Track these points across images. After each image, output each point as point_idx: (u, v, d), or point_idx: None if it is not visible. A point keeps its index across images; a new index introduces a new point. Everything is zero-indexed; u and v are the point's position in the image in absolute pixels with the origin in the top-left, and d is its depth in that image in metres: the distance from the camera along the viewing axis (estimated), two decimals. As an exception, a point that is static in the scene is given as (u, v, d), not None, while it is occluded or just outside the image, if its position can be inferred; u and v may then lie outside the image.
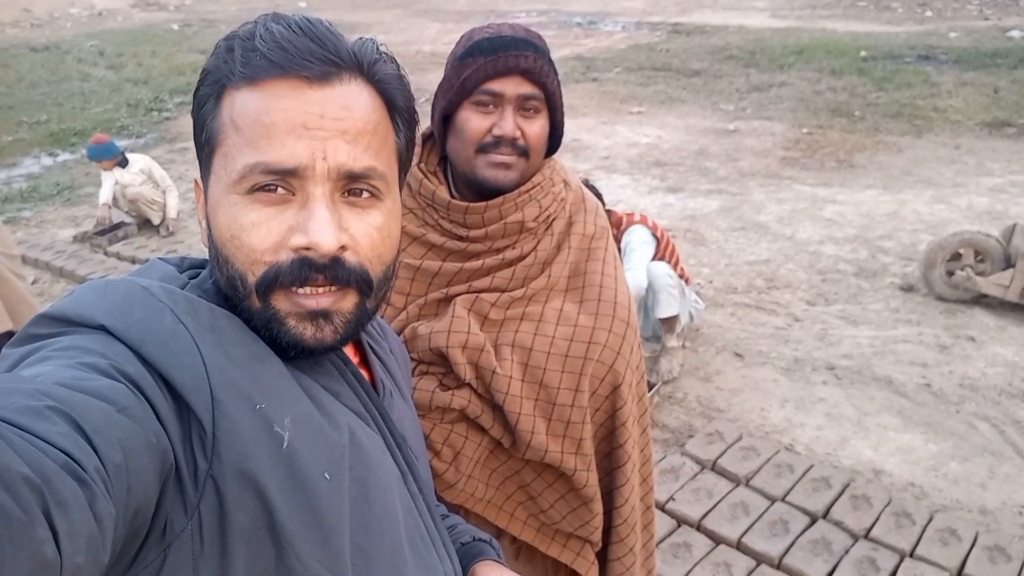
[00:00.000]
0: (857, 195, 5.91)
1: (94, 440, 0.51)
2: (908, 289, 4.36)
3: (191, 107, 0.73)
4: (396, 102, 0.74)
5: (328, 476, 0.66)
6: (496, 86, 1.14)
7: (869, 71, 9.89)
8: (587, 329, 1.25)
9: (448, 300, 1.25)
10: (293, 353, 0.70)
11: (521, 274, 1.25)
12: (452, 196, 1.26)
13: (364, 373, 0.82)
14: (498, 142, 1.16)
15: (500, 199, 1.21)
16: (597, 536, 1.30)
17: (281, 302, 0.68)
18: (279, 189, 0.67)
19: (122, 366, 0.59)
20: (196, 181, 0.76)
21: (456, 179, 1.27)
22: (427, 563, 0.78)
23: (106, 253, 5.51)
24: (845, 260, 4.79)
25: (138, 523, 0.56)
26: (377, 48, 0.73)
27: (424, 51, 12.25)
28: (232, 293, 0.70)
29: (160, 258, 0.78)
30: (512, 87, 1.15)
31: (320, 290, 0.69)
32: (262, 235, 0.67)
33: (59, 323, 0.64)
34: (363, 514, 0.70)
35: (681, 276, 3.63)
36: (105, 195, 5.64)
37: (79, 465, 0.49)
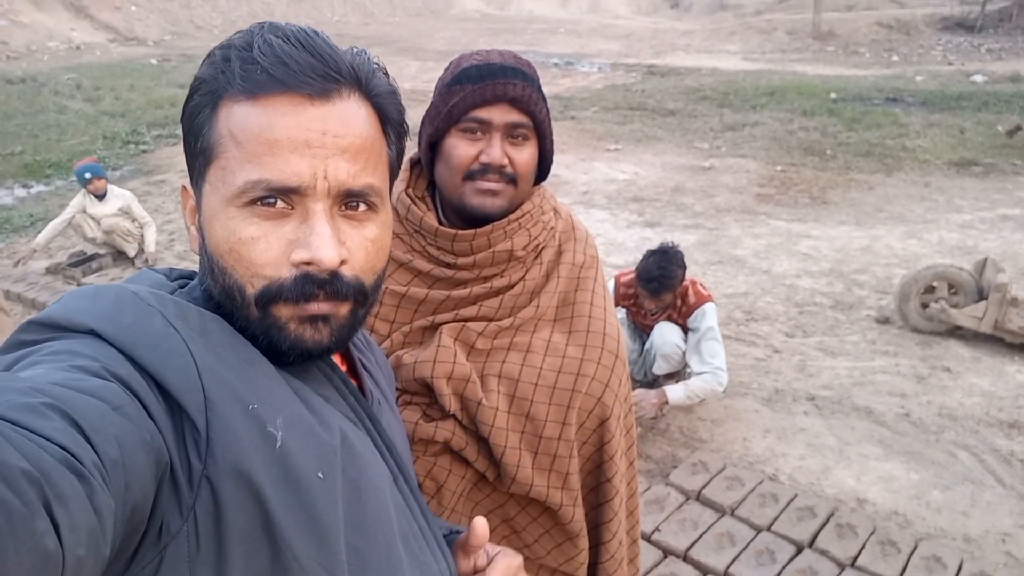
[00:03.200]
0: (831, 230, 6.02)
1: (91, 436, 0.51)
2: (884, 321, 4.42)
3: (182, 117, 0.72)
4: (390, 115, 0.76)
5: (322, 476, 0.66)
6: (484, 114, 1.13)
7: (839, 112, 10.15)
8: (575, 361, 1.22)
9: (434, 328, 1.23)
10: (291, 357, 0.71)
11: (509, 303, 1.23)
12: (440, 223, 1.24)
13: (353, 381, 0.83)
14: (485, 169, 1.15)
15: (489, 227, 1.19)
16: (583, 572, 1.28)
17: (282, 311, 0.70)
18: (278, 203, 0.68)
19: (114, 368, 0.59)
20: (185, 187, 0.75)
21: (444, 206, 1.25)
22: (421, 562, 0.78)
23: (79, 284, 5.42)
24: (821, 293, 4.85)
25: (136, 521, 0.55)
26: (372, 60, 0.75)
27: (404, 88, 12.34)
28: (227, 302, 0.70)
29: (149, 268, 0.79)
30: (500, 115, 1.14)
31: (321, 302, 0.70)
32: (262, 249, 0.68)
33: (49, 329, 0.64)
34: (357, 514, 0.70)
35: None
36: (44, 236, 5.46)
37: (77, 460, 0.49)
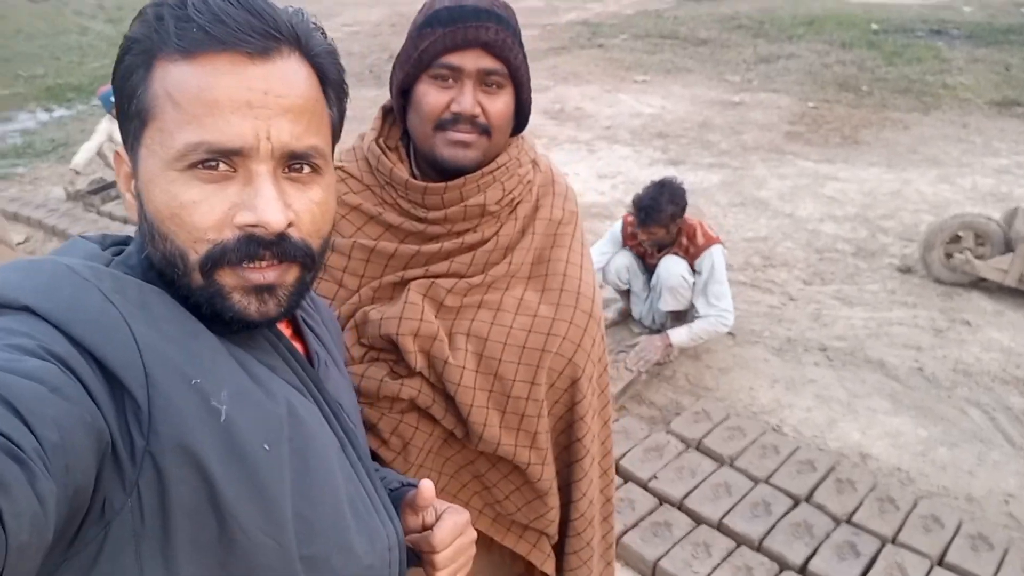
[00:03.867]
0: (860, 172, 5.83)
1: (29, 420, 0.51)
2: (906, 271, 4.30)
3: (113, 78, 0.70)
4: (329, 75, 0.74)
5: (268, 447, 0.67)
6: (455, 59, 1.08)
7: (879, 45, 9.72)
8: (547, 320, 1.20)
9: (404, 284, 1.20)
10: (236, 328, 0.71)
11: (481, 259, 1.20)
12: (412, 174, 1.20)
13: (298, 345, 0.83)
14: (457, 119, 1.10)
15: (461, 180, 1.15)
16: (553, 529, 1.27)
17: (226, 278, 0.68)
18: (220, 165, 0.66)
19: (51, 346, 0.58)
20: (118, 152, 0.73)
21: (418, 156, 1.21)
22: (370, 527, 0.79)
23: (99, 212, 5.46)
24: (844, 239, 4.73)
25: (78, 502, 0.56)
26: (309, 19, 0.72)
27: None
28: (169, 270, 0.69)
29: (81, 236, 0.77)
30: (472, 61, 1.08)
31: (264, 264, 0.69)
32: (204, 213, 0.66)
33: None
34: (304, 483, 0.70)
35: None
36: (81, 157, 5.51)
37: (17, 446, 0.49)
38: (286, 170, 0.69)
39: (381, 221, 1.20)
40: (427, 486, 0.86)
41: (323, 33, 0.74)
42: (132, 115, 0.68)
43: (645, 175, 5.86)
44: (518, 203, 1.23)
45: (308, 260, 0.72)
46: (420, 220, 1.19)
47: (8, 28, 11.40)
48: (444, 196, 1.16)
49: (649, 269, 3.66)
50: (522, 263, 1.22)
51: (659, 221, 3.33)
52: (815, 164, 6.03)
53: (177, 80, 0.65)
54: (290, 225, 0.69)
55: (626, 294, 3.82)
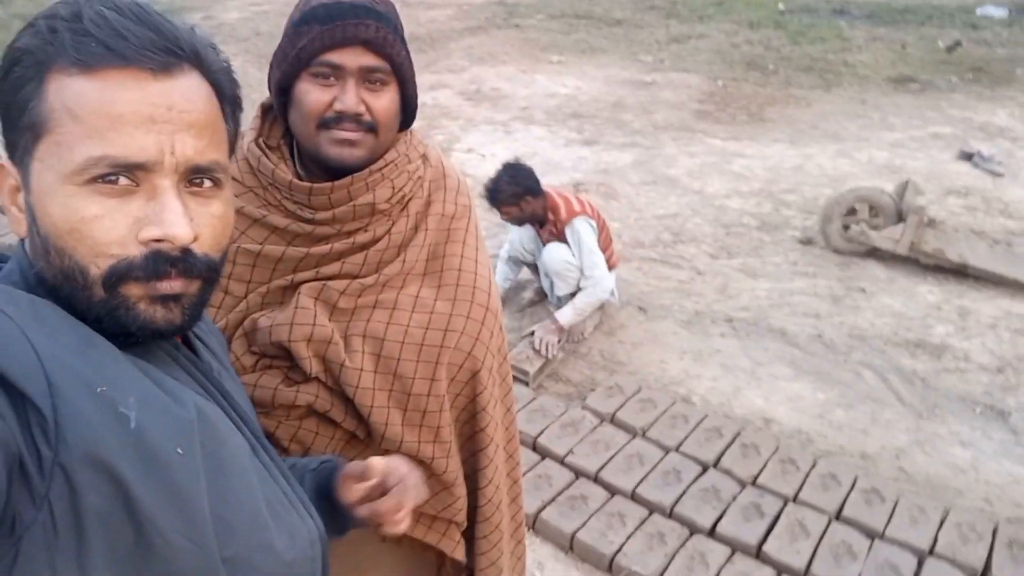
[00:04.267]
0: (765, 149, 6.04)
1: None
2: (807, 242, 4.50)
3: (2, 86, 0.68)
4: (225, 91, 0.75)
5: (181, 451, 0.67)
6: (335, 57, 1.06)
7: (785, 24, 10.04)
8: (444, 316, 1.20)
9: (294, 288, 1.18)
10: (140, 338, 0.71)
11: (374, 259, 1.18)
12: (298, 174, 1.18)
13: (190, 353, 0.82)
14: (340, 117, 1.08)
15: (349, 179, 1.13)
16: (462, 517, 1.29)
17: (132, 289, 0.68)
18: (121, 180, 0.66)
19: None
20: (2, 165, 0.71)
21: (303, 155, 1.19)
22: (289, 524, 0.80)
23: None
24: (749, 214, 4.91)
25: None
26: (205, 36, 0.73)
27: None
28: (65, 284, 0.68)
29: None
30: (352, 59, 1.07)
31: (173, 279, 0.69)
32: (107, 228, 0.66)
33: None
34: (220, 485, 0.71)
35: (608, 261, 3.61)
36: None
37: None
38: (188, 184, 0.70)
39: (266, 224, 1.17)
40: (378, 463, 0.93)
41: (215, 49, 0.75)
42: (23, 128, 0.67)
43: (561, 155, 5.93)
44: (409, 200, 1.22)
45: (212, 274, 0.73)
46: (307, 221, 1.16)
47: None
48: (331, 196, 1.14)
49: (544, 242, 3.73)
50: (416, 260, 1.21)
51: (502, 200, 3.48)
52: (723, 142, 6.22)
53: (77, 94, 0.64)
54: (195, 239, 0.69)
55: (535, 268, 3.88)
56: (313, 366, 1.15)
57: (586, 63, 8.66)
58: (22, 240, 0.72)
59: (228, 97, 0.75)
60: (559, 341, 3.42)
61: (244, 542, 0.72)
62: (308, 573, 0.82)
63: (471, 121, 6.70)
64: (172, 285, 0.69)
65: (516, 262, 3.91)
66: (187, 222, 0.67)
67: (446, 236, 1.25)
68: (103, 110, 0.64)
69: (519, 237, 3.78)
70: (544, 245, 3.66)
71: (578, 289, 3.54)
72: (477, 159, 5.74)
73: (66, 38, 0.64)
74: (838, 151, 5.99)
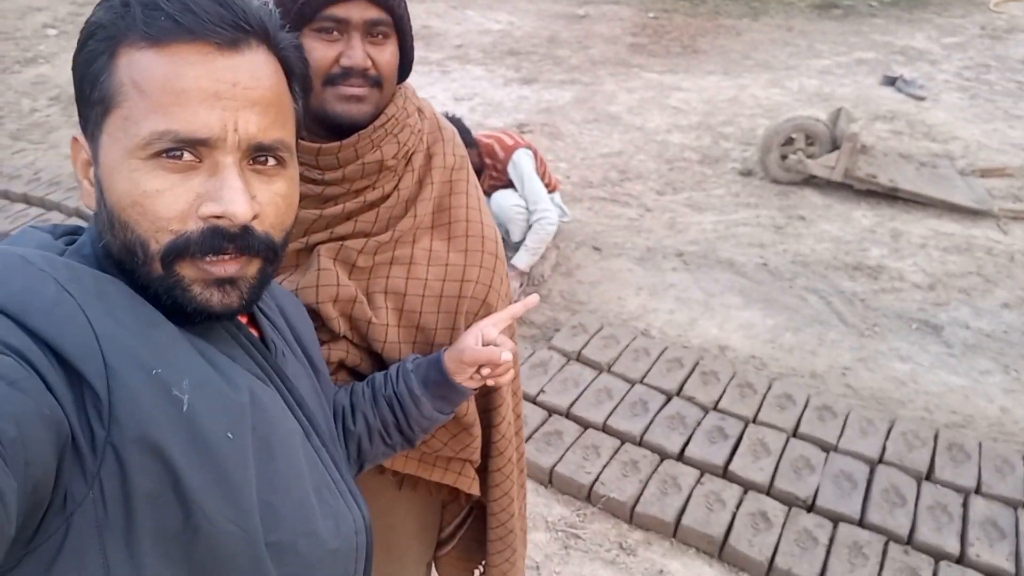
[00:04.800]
0: (700, 81, 6.14)
1: None
2: (747, 174, 4.65)
3: (74, 64, 0.68)
4: (294, 69, 0.74)
5: (231, 436, 0.67)
6: (340, 11, 1.05)
7: (710, -49, 10.05)
8: (458, 268, 1.24)
9: (309, 250, 1.19)
10: (197, 319, 0.71)
11: (385, 215, 1.20)
12: (302, 136, 1.20)
13: (254, 333, 0.83)
14: (347, 73, 1.08)
15: (355, 137, 1.14)
16: (477, 455, 1.35)
17: (187, 270, 0.68)
18: (185, 155, 0.66)
19: (7, 338, 0.58)
20: (76, 138, 0.71)
21: (305, 114, 1.21)
22: (336, 512, 0.80)
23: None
24: (690, 148, 5.02)
25: (38, 496, 0.56)
26: (276, 14, 0.72)
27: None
28: (128, 259, 0.68)
29: (32, 226, 0.75)
30: (358, 12, 1.06)
31: (227, 257, 0.69)
32: (168, 202, 0.66)
33: None
34: (269, 470, 0.71)
35: (549, 184, 3.68)
36: None
37: None
38: (251, 162, 0.69)
39: None
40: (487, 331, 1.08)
41: (285, 25, 0.74)
42: (94, 102, 0.67)
43: (501, 95, 5.91)
44: (412, 154, 1.23)
45: (270, 253, 0.72)
46: (316, 182, 1.17)
47: None
48: (339, 155, 1.15)
49: (489, 190, 3.77)
50: (425, 214, 1.24)
51: None
52: (659, 75, 6.28)
53: (144, 68, 0.64)
54: (254, 217, 0.69)
55: None
56: (342, 326, 1.18)
57: (516, -3, 8.55)
58: (96, 214, 0.72)
59: (297, 75, 0.75)
60: (520, 286, 3.50)
61: (289, 528, 0.72)
62: (351, 562, 0.82)
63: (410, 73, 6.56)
64: (227, 268, 0.69)
65: None
66: (247, 199, 0.67)
67: (449, 188, 1.28)
68: (169, 85, 0.64)
69: None
70: (488, 195, 3.69)
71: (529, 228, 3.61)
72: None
73: (137, 12, 0.64)
74: (770, 80, 6.13)
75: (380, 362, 1.23)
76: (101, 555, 0.60)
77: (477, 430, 1.34)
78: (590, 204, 4.34)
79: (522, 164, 3.52)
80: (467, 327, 1.29)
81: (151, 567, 0.62)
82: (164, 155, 0.65)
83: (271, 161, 0.71)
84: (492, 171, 3.62)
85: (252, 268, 0.72)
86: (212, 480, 0.65)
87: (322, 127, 1.16)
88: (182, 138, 0.65)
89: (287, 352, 0.88)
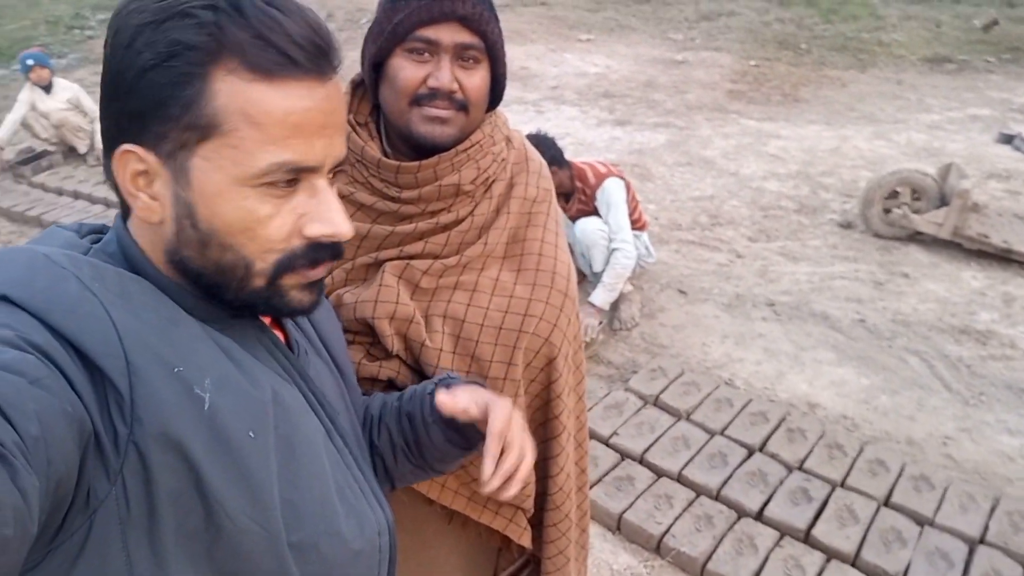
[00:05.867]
0: (801, 130, 5.97)
1: (9, 414, 0.51)
2: (847, 226, 4.45)
3: (150, 74, 0.64)
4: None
5: (253, 434, 0.67)
6: (431, 33, 1.05)
7: (816, 2, 9.87)
8: (523, 300, 1.19)
9: (378, 266, 1.18)
10: (230, 314, 0.73)
11: (456, 240, 1.18)
12: (385, 152, 1.18)
13: (279, 334, 0.83)
14: (434, 94, 1.08)
15: (435, 159, 1.13)
16: (529, 504, 1.28)
17: (289, 279, 0.72)
18: (290, 180, 0.69)
19: (29, 336, 0.58)
20: (129, 150, 0.66)
21: (390, 132, 1.18)
22: (359, 512, 0.80)
23: (31, 184, 5.24)
24: (787, 196, 4.86)
25: (61, 493, 0.56)
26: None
27: None
28: (221, 277, 0.70)
29: (58, 225, 0.76)
30: (449, 35, 1.06)
31: (325, 263, 0.74)
32: (277, 226, 0.69)
33: None
34: (291, 469, 0.71)
35: (638, 222, 3.60)
36: (4, 130, 5.23)
37: None
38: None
39: (353, 200, 1.17)
40: (446, 401, 0.88)
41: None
42: (184, 125, 0.65)
43: (593, 136, 5.90)
44: (492, 182, 1.21)
45: (336, 258, 0.76)
46: (393, 200, 1.16)
47: (-86, -14, 10.70)
48: (417, 175, 1.14)
49: (575, 216, 3.71)
50: (497, 243, 1.21)
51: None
52: (758, 122, 6.15)
53: (257, 101, 0.65)
54: None
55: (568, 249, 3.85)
56: (395, 344, 1.15)
57: (615, 41, 8.58)
58: (121, 215, 0.73)
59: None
60: (599, 324, 3.42)
61: (312, 528, 0.72)
62: (374, 563, 0.82)
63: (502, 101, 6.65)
64: (319, 272, 0.74)
65: None
66: (347, 218, 0.71)
67: (527, 220, 1.25)
68: (285, 120, 0.66)
69: None
70: (573, 222, 3.64)
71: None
72: (509, 139, 5.71)
73: (237, 38, 0.63)
74: (875, 132, 5.91)
75: None
76: (124, 552, 0.61)
77: (530, 477, 1.27)
78: (678, 247, 4.24)
79: (612, 191, 3.47)
80: (526, 365, 1.23)
81: (173, 565, 0.62)
82: (276, 184, 0.68)
83: (332, 174, 0.74)
84: (581, 195, 3.58)
85: (326, 270, 0.76)
86: (233, 479, 0.65)
87: (407, 146, 1.16)
88: (299, 167, 0.68)
89: (311, 352, 0.88)
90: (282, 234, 0.69)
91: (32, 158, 5.44)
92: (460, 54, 1.08)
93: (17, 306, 0.60)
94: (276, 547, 0.68)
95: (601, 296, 3.42)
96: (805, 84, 7.09)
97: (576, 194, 3.59)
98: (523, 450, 0.89)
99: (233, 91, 0.64)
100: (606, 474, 2.67)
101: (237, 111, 0.65)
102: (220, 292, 0.71)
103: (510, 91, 6.96)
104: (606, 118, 6.32)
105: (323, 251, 0.72)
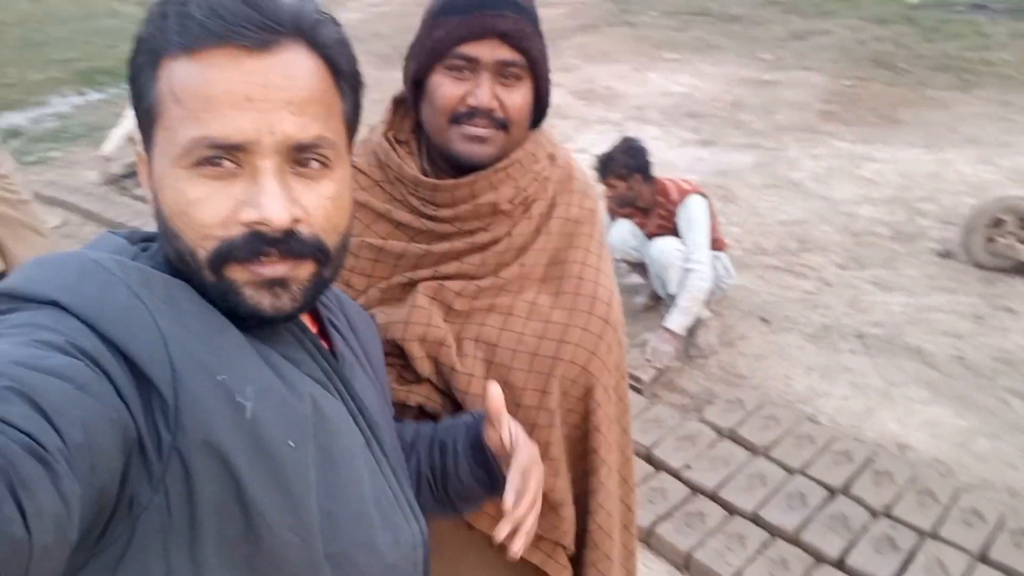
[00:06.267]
0: (898, 153, 5.69)
1: (54, 420, 0.51)
2: (946, 255, 4.20)
3: (128, 78, 0.69)
4: (340, 66, 0.72)
5: (293, 444, 0.67)
6: (471, 50, 1.03)
7: (917, 20, 9.45)
8: (560, 326, 1.14)
9: (412, 285, 1.15)
10: (252, 323, 0.70)
11: (492, 261, 1.15)
12: (424, 169, 1.16)
13: (324, 343, 0.81)
14: (473, 113, 1.05)
15: (472, 177, 1.10)
16: (568, 540, 1.23)
17: (236, 273, 0.68)
18: (225, 162, 0.65)
19: (78, 342, 0.58)
20: (139, 153, 0.73)
21: (431, 150, 1.16)
22: (394, 524, 0.79)
23: (133, 196, 5.50)
24: (882, 222, 4.63)
25: (104, 500, 0.56)
26: (317, 9, 0.70)
27: None
28: (183, 267, 0.69)
29: (110, 231, 0.77)
30: (489, 52, 1.03)
31: (275, 259, 0.68)
32: (210, 210, 0.66)
33: (10, 300, 0.63)
34: (329, 480, 0.70)
35: (717, 243, 3.49)
36: (110, 143, 5.54)
37: (41, 446, 0.49)
38: (294, 165, 0.68)
39: (390, 219, 1.16)
40: (494, 390, 0.87)
41: (336, 23, 0.72)
42: (143, 114, 0.68)
43: (676, 155, 5.78)
44: (533, 201, 1.18)
45: (321, 255, 0.70)
46: (430, 218, 1.14)
47: (40, 12, 11.50)
48: (454, 194, 1.12)
49: (653, 233, 3.60)
50: (535, 264, 1.17)
51: (612, 170, 3.39)
52: (851, 144, 5.90)
53: (179, 77, 0.64)
54: (298, 221, 0.68)
55: (643, 268, 3.73)
56: (426, 367, 1.12)
57: (702, 61, 8.42)
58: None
59: (344, 73, 0.72)
60: (674, 350, 3.31)
61: (348, 539, 0.71)
62: None
63: (584, 120, 6.62)
64: (275, 269, 0.68)
65: (616, 267, 3.77)
66: (285, 204, 0.66)
67: (568, 241, 1.20)
68: (200, 91, 0.64)
69: (619, 234, 3.63)
70: (649, 239, 3.54)
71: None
72: (590, 159, 5.65)
73: (172, 23, 0.64)
74: (979, 156, 5.58)
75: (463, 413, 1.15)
76: (164, 561, 0.60)
77: (568, 512, 1.21)
78: (761, 272, 4.09)
79: (693, 208, 3.36)
80: (563, 394, 1.16)
81: (213, 574, 0.62)
82: (205, 163, 0.65)
83: (314, 163, 0.69)
84: (662, 211, 3.49)
85: (303, 271, 0.70)
86: (273, 488, 0.65)
87: (447, 164, 1.13)
88: (217, 144, 0.64)
89: (355, 363, 0.85)
90: (215, 219, 0.66)
91: (135, 171, 5.71)
92: (501, 71, 1.05)
93: (67, 311, 0.61)
94: (313, 558, 0.67)
95: (676, 320, 3.31)
96: (903, 105, 6.78)
97: (656, 209, 3.50)
98: (535, 501, 0.87)
99: (168, 73, 0.65)
100: (676, 508, 2.57)
101: (168, 91, 0.65)
102: (195, 286, 0.69)
103: (593, 111, 6.94)
104: (690, 138, 6.19)
105: (263, 243, 0.67)
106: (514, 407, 1.13)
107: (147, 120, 0.68)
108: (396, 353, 1.15)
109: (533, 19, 1.06)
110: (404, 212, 1.15)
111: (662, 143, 6.09)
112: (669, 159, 5.68)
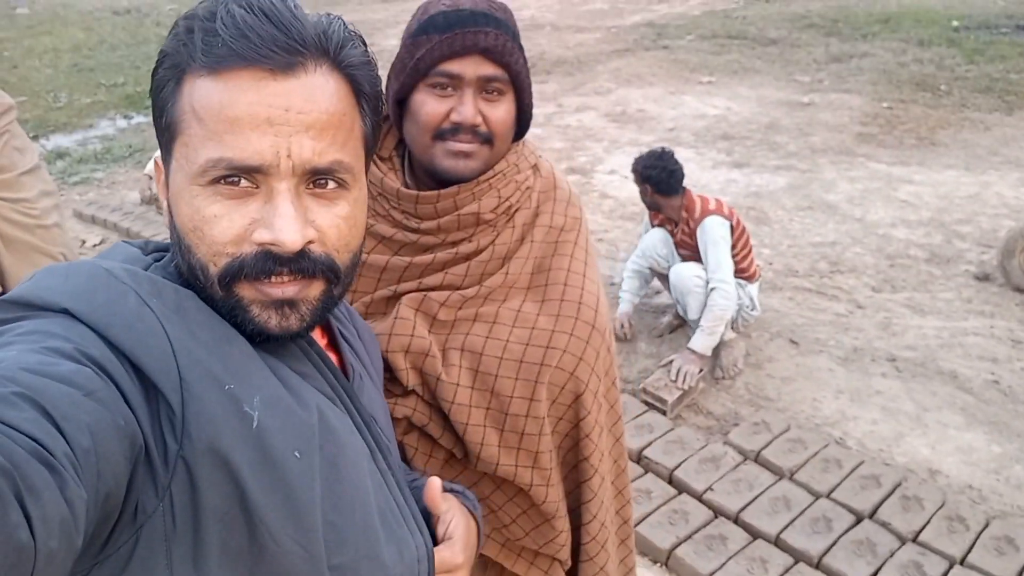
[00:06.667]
0: (936, 175, 5.59)
1: (62, 425, 0.52)
2: (983, 278, 4.10)
3: (150, 90, 0.71)
4: (363, 87, 0.73)
5: (298, 455, 0.67)
6: (453, 67, 1.04)
7: (960, 42, 9.31)
8: (546, 332, 1.14)
9: (397, 298, 1.16)
10: (258, 340, 0.71)
11: (477, 270, 1.15)
12: (406, 184, 1.17)
13: (332, 356, 0.82)
14: (457, 128, 1.06)
15: (455, 188, 1.11)
16: (565, 554, 1.22)
17: (245, 291, 0.69)
18: (242, 182, 0.66)
19: (87, 349, 0.59)
20: (157, 162, 0.74)
21: (415, 166, 1.17)
22: (398, 537, 0.79)
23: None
24: (917, 245, 4.54)
25: (109, 506, 0.56)
26: (345, 29, 0.71)
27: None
28: (194, 280, 0.70)
29: (124, 241, 0.78)
30: (471, 68, 1.04)
31: (285, 279, 0.69)
32: (224, 228, 0.67)
33: (21, 307, 0.64)
34: (334, 491, 0.71)
35: (747, 271, 3.45)
36: (151, 165, 5.73)
37: (48, 451, 0.49)
38: (310, 186, 0.69)
39: (373, 233, 1.16)
40: (432, 485, 0.89)
41: (362, 42, 0.73)
42: (163, 129, 0.69)
43: (708, 177, 5.75)
44: (516, 210, 1.18)
45: (332, 274, 0.71)
46: (413, 231, 1.15)
47: (93, 40, 11.95)
48: (437, 205, 1.13)
49: (678, 245, 3.58)
50: (520, 273, 1.17)
51: (637, 172, 3.45)
52: (888, 166, 5.81)
53: (201, 96, 0.65)
54: (311, 242, 0.68)
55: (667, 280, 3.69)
56: (410, 378, 1.12)
57: (738, 84, 8.39)
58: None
59: (366, 94, 0.73)
60: (700, 371, 3.27)
61: (353, 551, 0.71)
62: None
63: (615, 143, 6.63)
64: (285, 290, 0.69)
65: (646, 276, 3.73)
66: (298, 227, 0.66)
67: (553, 249, 1.20)
68: (222, 113, 0.64)
69: (651, 241, 3.63)
70: (677, 252, 3.52)
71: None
72: (620, 180, 5.66)
73: (198, 40, 0.65)
74: (1020, 179, 5.45)
75: (451, 426, 1.14)
76: (167, 568, 0.61)
77: (562, 524, 1.20)
78: (792, 294, 4.03)
79: (711, 230, 3.30)
80: (551, 401, 1.16)
81: None
82: (222, 182, 0.66)
83: (331, 184, 0.70)
84: (685, 226, 3.47)
85: (314, 290, 0.71)
86: (278, 499, 0.65)
87: (432, 180, 1.14)
88: (235, 165, 0.65)
89: (364, 377, 0.86)
90: (228, 236, 0.67)
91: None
92: (484, 87, 1.07)
93: (78, 319, 0.61)
94: (317, 569, 0.67)
95: (700, 341, 3.27)
96: (943, 127, 6.66)
97: (681, 223, 3.49)
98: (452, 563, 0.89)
99: (191, 90, 0.66)
100: (697, 531, 2.53)
101: (190, 109, 0.66)
102: (206, 300, 0.70)
103: (625, 133, 6.95)
104: (723, 160, 6.15)
105: (274, 262, 0.67)
106: (502, 416, 1.13)
107: (168, 134, 0.69)
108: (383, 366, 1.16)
109: (513, 33, 1.08)
110: (387, 226, 1.16)
111: (694, 164, 6.06)
112: (702, 181, 5.66)
